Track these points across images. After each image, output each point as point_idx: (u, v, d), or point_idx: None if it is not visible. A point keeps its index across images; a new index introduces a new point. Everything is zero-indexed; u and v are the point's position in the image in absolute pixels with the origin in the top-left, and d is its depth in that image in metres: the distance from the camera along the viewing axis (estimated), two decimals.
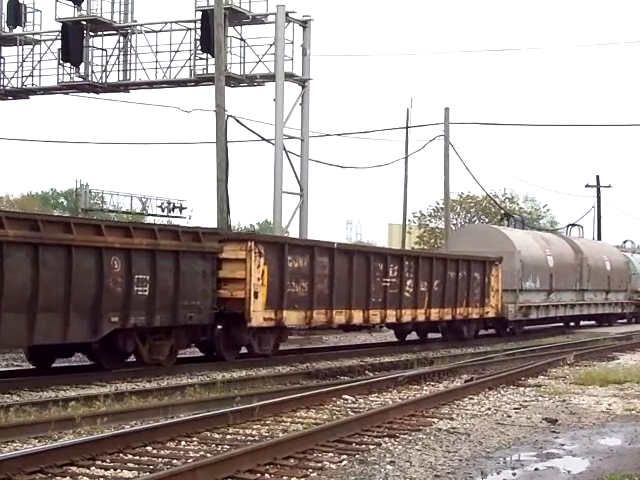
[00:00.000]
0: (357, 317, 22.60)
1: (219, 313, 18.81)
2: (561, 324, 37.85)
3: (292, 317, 20.33)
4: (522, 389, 15.48)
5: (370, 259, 23.09)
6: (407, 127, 46.01)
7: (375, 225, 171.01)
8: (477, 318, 28.44)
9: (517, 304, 30.73)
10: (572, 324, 38.76)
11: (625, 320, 43.39)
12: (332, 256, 21.52)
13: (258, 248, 19.20)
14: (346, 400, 13.65)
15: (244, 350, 20.21)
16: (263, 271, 19.31)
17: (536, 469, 9.03)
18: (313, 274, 20.79)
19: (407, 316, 24.68)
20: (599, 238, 55.96)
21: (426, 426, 11.33)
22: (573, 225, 45.63)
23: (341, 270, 21.81)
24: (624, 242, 50.73)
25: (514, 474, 8.78)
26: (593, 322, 40.12)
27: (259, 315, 19.25)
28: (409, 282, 24.71)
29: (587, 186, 60.76)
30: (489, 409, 13.02)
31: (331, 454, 9.45)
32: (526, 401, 14.00)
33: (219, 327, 19.32)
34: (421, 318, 25.43)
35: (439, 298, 26.14)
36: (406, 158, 45.97)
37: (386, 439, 10.36)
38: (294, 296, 20.29)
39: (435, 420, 11.83)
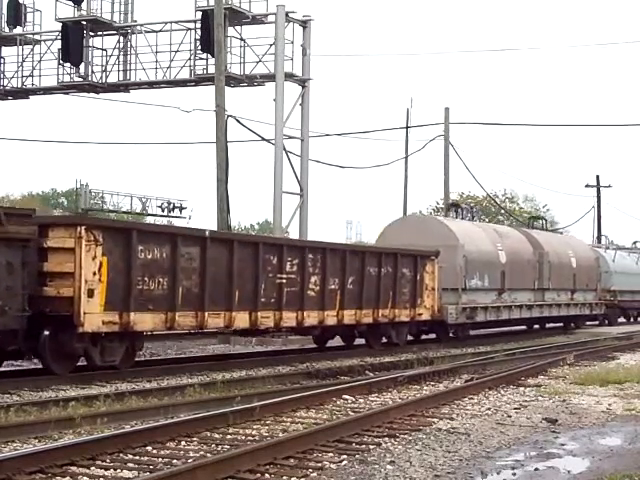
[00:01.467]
0: (241, 320, 18.86)
1: (45, 316, 15.36)
2: (523, 327, 34.80)
3: (146, 320, 16.65)
4: (522, 389, 15.49)
5: (259, 251, 19.30)
6: (407, 127, 46.12)
7: (375, 225, 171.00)
8: (407, 321, 24.72)
9: (460, 305, 26.99)
10: (537, 327, 35.62)
11: (597, 322, 40.19)
12: (204, 246, 17.89)
13: (93, 234, 15.53)
14: (346, 400, 13.65)
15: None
16: (101, 263, 15.67)
17: (536, 469, 9.03)
18: (176, 268, 17.12)
19: (311, 319, 20.87)
20: (599, 238, 55.91)
21: (426, 426, 11.33)
22: (536, 218, 41.49)
23: (217, 263, 18.17)
24: (597, 237, 48.40)
25: (514, 474, 8.78)
26: (560, 324, 36.59)
27: (96, 318, 15.59)
28: (314, 279, 20.98)
29: (587, 186, 60.93)
30: (489, 409, 13.02)
31: (331, 454, 9.44)
32: (526, 401, 14.01)
33: (46, 333, 15.65)
34: (331, 321, 21.68)
35: (355, 298, 22.41)
36: (406, 158, 46.06)
37: (386, 439, 10.35)
38: (148, 295, 16.62)
39: (435, 420, 11.83)
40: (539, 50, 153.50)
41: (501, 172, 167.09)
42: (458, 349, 25.34)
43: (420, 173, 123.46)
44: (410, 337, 26.29)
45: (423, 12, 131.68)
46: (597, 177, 61.09)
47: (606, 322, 40.66)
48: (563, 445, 10.37)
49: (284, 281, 20.07)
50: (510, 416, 12.43)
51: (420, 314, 25.27)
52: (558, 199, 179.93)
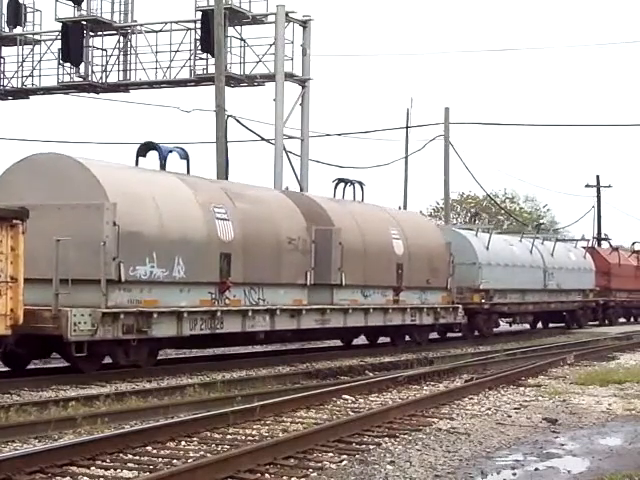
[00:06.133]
0: None
1: None
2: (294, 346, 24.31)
3: None
4: (522, 389, 15.49)
5: None
6: (407, 127, 46.04)
7: None
8: None
9: (102, 309, 15.92)
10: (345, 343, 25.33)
11: (460, 334, 28.92)
12: None
13: None
14: (346, 400, 13.65)
15: None
16: None
17: (536, 469, 9.03)
18: None
19: None
20: (599, 238, 55.61)
21: (426, 426, 11.33)
22: (346, 182, 25.25)
23: None
24: (472, 218, 37.47)
25: (514, 474, 8.78)
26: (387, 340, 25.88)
27: None
28: None
29: (587, 186, 60.90)
30: (489, 409, 13.02)
31: (331, 454, 9.44)
32: (526, 401, 14.01)
33: None
34: None
35: None
36: (406, 158, 46.00)
37: (386, 439, 10.35)
38: None
39: (435, 420, 11.84)
40: (539, 50, 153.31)
41: (501, 172, 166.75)
42: (458, 349, 25.33)
43: (420, 173, 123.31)
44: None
45: (423, 12, 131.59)
46: (597, 177, 61.09)
47: (476, 332, 29.74)
48: (563, 445, 10.37)
49: None
50: (510, 416, 12.43)
51: None
52: (558, 199, 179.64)
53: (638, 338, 29.86)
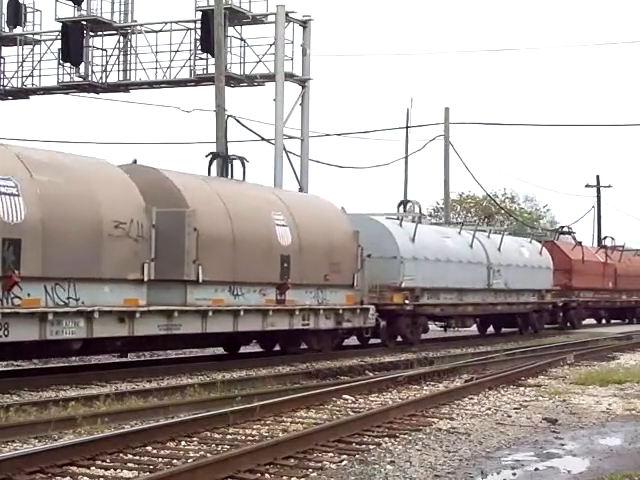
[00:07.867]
0: None
1: None
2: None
3: None
4: (522, 389, 15.50)
5: None
6: (407, 127, 46.04)
7: None
8: None
9: None
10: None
11: (379, 340, 24.61)
12: None
13: None
14: (346, 400, 13.65)
15: None
16: None
17: (536, 469, 9.03)
18: None
19: None
20: (599, 238, 55.59)
21: (426, 426, 11.33)
22: (224, 157, 22.35)
23: None
24: (401, 203, 30.13)
25: (514, 474, 8.78)
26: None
27: None
28: None
29: (587, 186, 60.99)
30: (489, 409, 13.03)
31: (331, 454, 9.44)
32: (526, 401, 14.01)
33: None
34: None
35: None
36: (406, 158, 46.00)
37: (386, 439, 10.35)
38: None
39: (435, 420, 11.84)
40: (538, 50, 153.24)
41: (501, 172, 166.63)
42: (458, 349, 25.34)
43: (420, 173, 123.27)
44: None
45: (423, 12, 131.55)
46: (597, 177, 61.16)
47: (400, 338, 25.46)
48: (563, 445, 10.37)
49: None
50: (510, 416, 12.44)
51: None
52: (558, 199, 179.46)
53: (638, 338, 29.88)
